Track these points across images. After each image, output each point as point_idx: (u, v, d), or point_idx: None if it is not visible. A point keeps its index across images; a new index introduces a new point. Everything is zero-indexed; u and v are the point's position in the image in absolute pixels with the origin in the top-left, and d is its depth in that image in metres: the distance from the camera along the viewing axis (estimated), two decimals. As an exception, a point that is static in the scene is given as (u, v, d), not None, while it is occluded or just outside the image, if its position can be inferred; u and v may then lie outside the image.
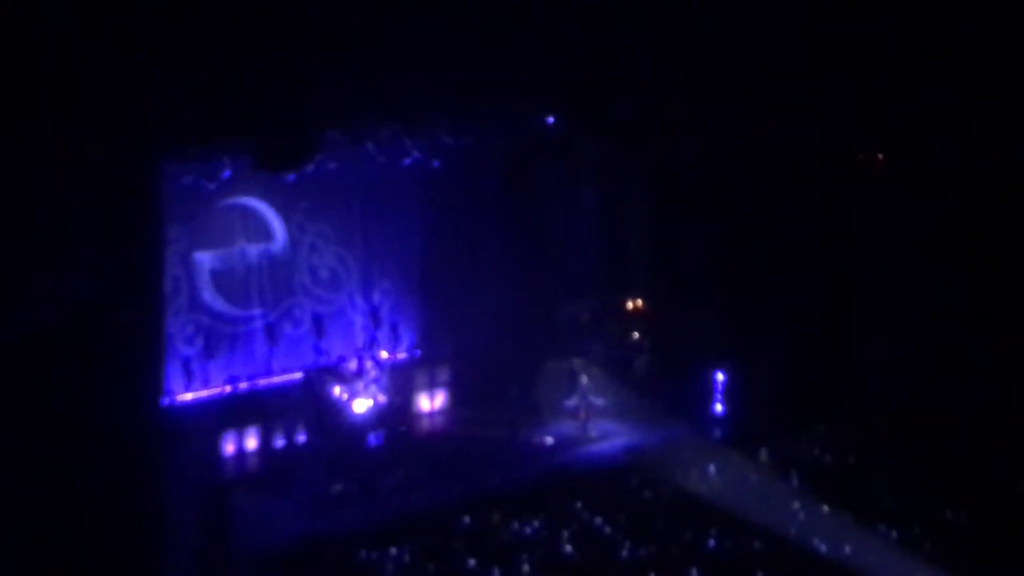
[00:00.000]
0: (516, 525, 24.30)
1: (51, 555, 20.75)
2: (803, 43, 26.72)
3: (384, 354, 29.27)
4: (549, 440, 28.22)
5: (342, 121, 25.03)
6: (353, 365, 28.60)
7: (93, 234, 20.50)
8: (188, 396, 27.64)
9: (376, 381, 28.15)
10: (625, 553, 23.31)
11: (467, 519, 24.51)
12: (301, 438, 27.61)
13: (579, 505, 25.01)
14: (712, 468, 26.30)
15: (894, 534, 23.80)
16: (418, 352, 30.13)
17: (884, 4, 26.47)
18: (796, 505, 24.77)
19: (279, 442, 27.46)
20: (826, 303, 29.47)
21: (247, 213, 28.43)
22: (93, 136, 20.21)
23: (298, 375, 28.84)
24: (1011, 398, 27.71)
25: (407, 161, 28.52)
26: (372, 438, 27.22)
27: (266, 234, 28.78)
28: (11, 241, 19.52)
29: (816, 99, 27.32)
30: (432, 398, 29.43)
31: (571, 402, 28.66)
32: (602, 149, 28.53)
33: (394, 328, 30.08)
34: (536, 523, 24.35)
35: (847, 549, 23.24)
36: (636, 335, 31.06)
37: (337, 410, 27.69)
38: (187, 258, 27.73)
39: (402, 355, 30.00)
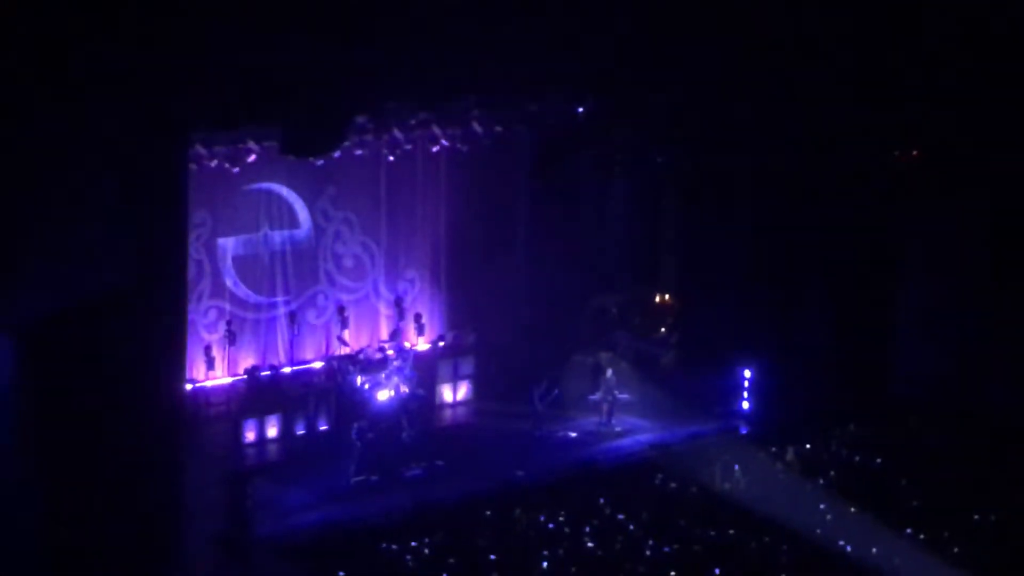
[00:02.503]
0: (539, 519, 24.10)
1: (72, 538, 20.64)
2: (840, 36, 26.54)
3: (408, 344, 29.09)
4: (573, 434, 28.00)
5: (371, 106, 24.83)
6: (376, 355, 28.44)
7: (118, 218, 20.35)
8: (210, 383, 27.51)
9: (399, 371, 27.95)
10: (648, 550, 23.10)
11: (489, 512, 24.33)
12: (322, 427, 27.49)
13: (602, 500, 24.81)
14: (738, 466, 26.06)
15: (922, 537, 23.59)
16: (442, 343, 29.92)
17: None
18: (822, 505, 24.58)
19: (300, 430, 27.35)
20: (857, 302, 29.21)
21: (272, 198, 28.27)
22: (120, 119, 20.05)
23: (320, 364, 28.70)
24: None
25: (435, 149, 28.29)
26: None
27: (291, 220, 28.61)
28: (37, 225, 19.38)
29: (853, 94, 27.10)
30: (455, 389, 29.26)
31: (596, 396, 28.43)
32: (634, 141, 28.33)
33: (418, 318, 29.88)
34: (559, 518, 24.14)
35: (874, 551, 23.04)
36: (663, 330, 30.89)
37: (359, 400, 27.50)
38: (210, 243, 27.59)
39: (426, 346, 29.80)
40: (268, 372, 27.99)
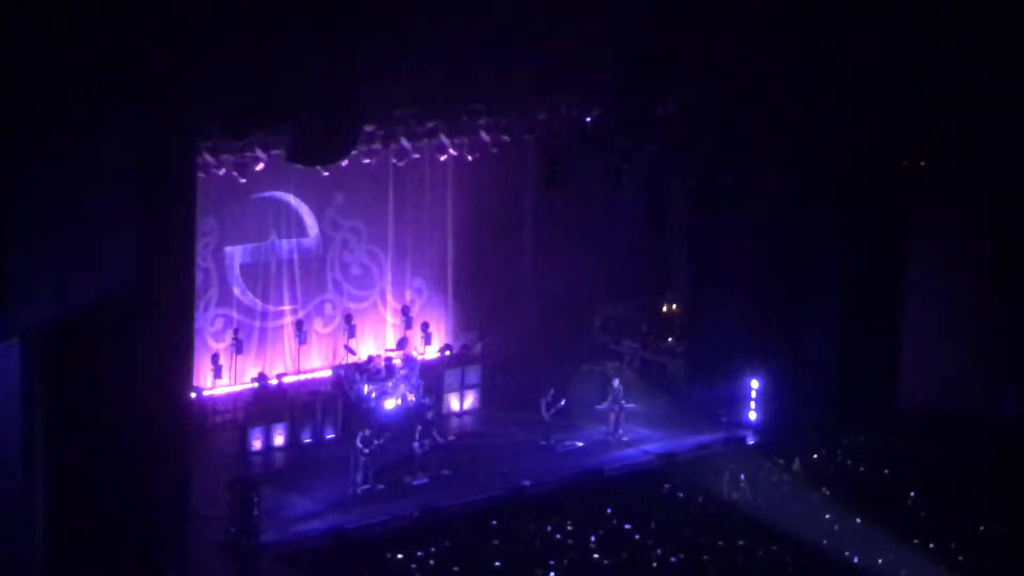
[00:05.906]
0: (545, 528, 24.04)
1: (78, 545, 20.64)
2: (851, 47, 26.53)
3: (415, 353, 29.06)
4: (580, 444, 27.94)
5: (379, 115, 24.82)
6: (383, 364, 28.41)
7: (126, 226, 20.34)
8: (217, 391, 27.49)
9: (406, 380, 27.94)
10: (655, 560, 23.06)
11: (495, 522, 24.28)
12: (329, 435, 27.46)
13: (609, 510, 24.76)
14: (744, 476, 26.00)
15: (929, 547, 23.55)
16: (449, 352, 29.88)
17: (933, 16, 26.40)
18: (829, 516, 24.52)
19: (306, 439, 27.32)
20: (864, 312, 29.16)
21: (280, 207, 28.27)
22: (128, 126, 20.05)
23: (327, 372, 28.67)
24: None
25: (443, 158, 28.26)
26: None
27: (299, 228, 28.62)
28: (45, 231, 19.37)
29: (862, 105, 27.10)
30: (462, 399, 29.21)
31: (603, 406, 28.36)
32: (642, 149, 28.30)
33: (425, 327, 29.85)
34: (566, 527, 24.09)
35: (880, 561, 22.98)
36: (671, 340, 30.78)
37: (366, 408, 27.48)
38: (218, 251, 27.61)
39: (433, 354, 29.76)
40: (275, 380, 27.97)
